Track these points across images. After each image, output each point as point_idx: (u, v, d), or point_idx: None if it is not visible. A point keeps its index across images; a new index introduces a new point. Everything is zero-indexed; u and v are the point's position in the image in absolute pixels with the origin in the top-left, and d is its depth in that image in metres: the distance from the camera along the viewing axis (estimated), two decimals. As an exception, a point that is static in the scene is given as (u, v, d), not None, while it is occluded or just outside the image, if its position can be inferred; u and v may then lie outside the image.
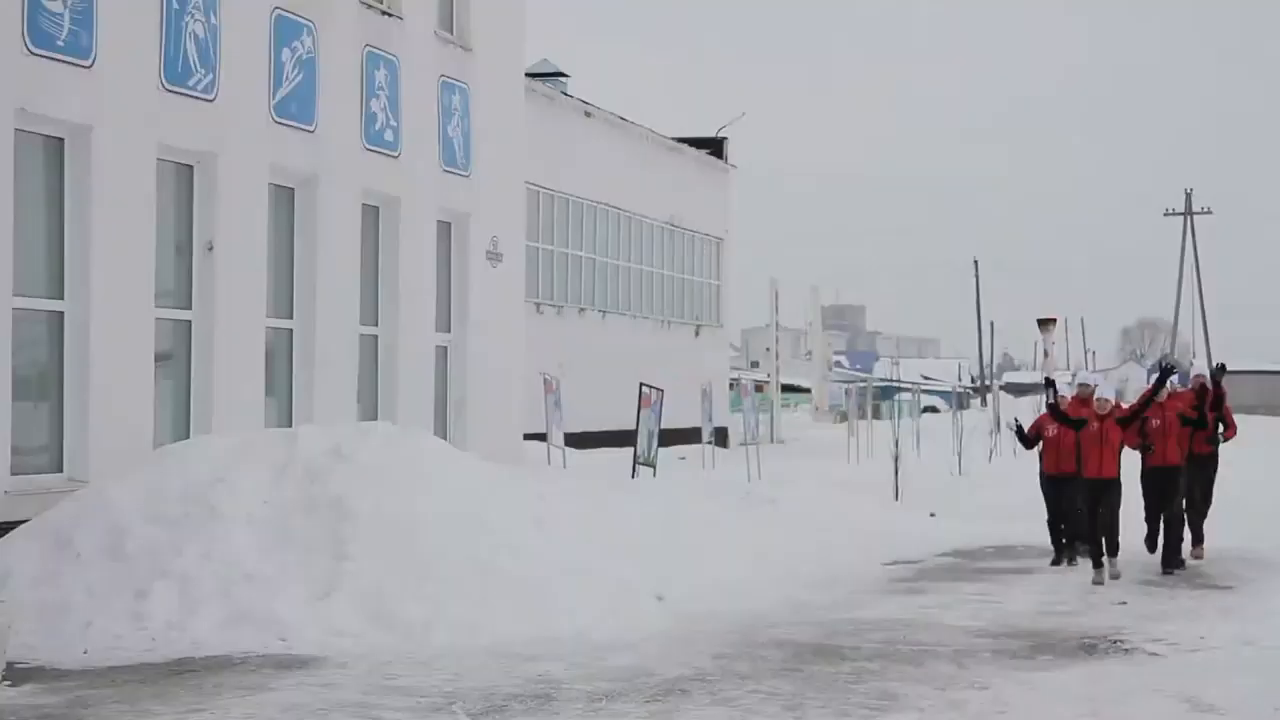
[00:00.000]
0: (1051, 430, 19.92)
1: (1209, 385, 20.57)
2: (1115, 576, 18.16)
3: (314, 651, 13.42)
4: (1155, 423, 19.50)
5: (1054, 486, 20.07)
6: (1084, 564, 19.04)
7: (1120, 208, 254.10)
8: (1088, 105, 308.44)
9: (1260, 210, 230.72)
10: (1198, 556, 20.18)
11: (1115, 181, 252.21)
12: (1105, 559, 18.35)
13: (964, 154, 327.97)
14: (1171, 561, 19.23)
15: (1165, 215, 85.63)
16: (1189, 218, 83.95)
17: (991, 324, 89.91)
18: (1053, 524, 20.32)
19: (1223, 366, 21.27)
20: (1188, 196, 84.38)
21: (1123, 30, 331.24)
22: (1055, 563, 19.99)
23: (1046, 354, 22.33)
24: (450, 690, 11.86)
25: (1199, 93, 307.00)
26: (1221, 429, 20.99)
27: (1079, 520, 19.09)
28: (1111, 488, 18.57)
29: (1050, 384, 20.11)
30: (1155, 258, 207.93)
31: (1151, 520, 19.90)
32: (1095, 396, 18.94)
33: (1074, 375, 23.21)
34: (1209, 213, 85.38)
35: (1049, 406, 19.70)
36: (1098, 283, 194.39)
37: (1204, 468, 20.63)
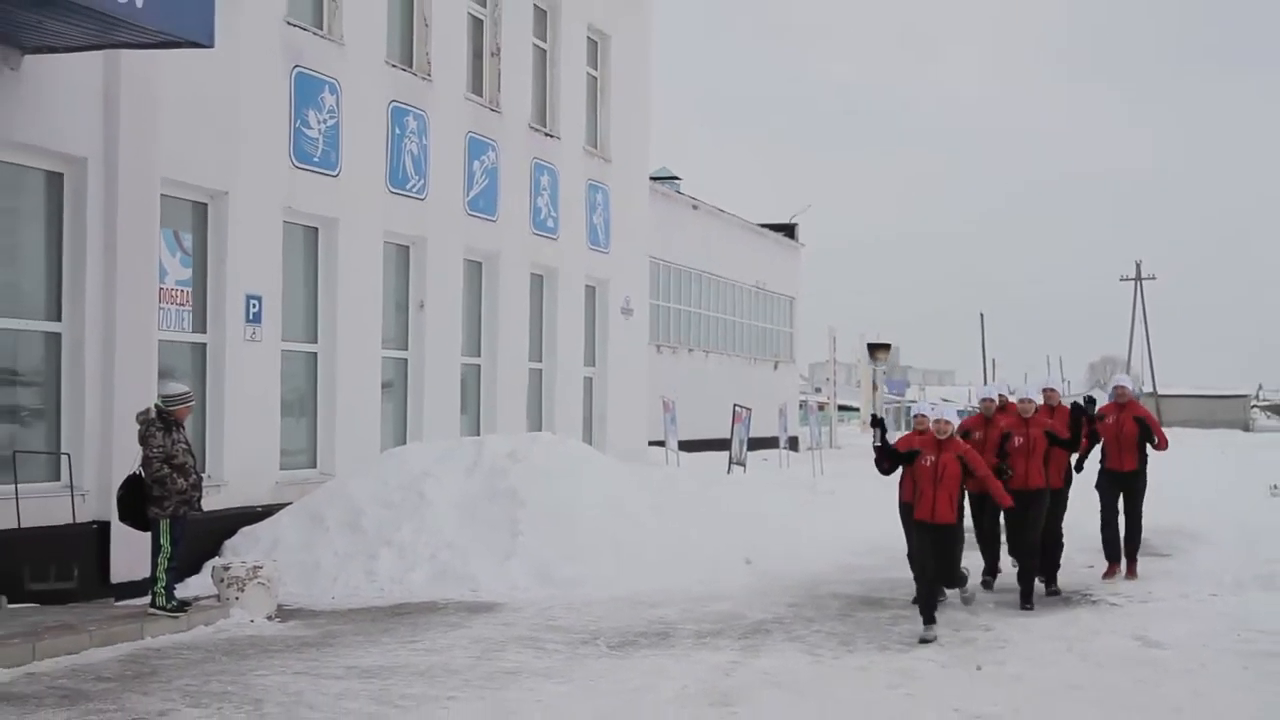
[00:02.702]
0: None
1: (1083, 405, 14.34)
2: (933, 639, 11.46)
3: (496, 600, 13.59)
4: (1018, 440, 13.49)
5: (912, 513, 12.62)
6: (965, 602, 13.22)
7: (1090, 272, 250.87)
8: (1079, 193, 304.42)
9: (1195, 276, 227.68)
10: (1128, 576, 15.16)
11: (1089, 252, 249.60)
12: (926, 622, 11.72)
13: (978, 228, 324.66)
14: (1028, 598, 13.23)
15: (1121, 280, 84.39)
16: (1139, 282, 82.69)
17: (993, 360, 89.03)
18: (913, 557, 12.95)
19: (1091, 400, 14.63)
20: (1138, 266, 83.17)
21: (1115, 137, 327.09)
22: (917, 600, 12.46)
23: (876, 387, 14.36)
24: (594, 629, 11.96)
25: (1155, 190, 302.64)
26: (1151, 443, 15.27)
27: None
28: (947, 534, 12.15)
29: (878, 423, 12.93)
30: (1114, 310, 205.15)
31: (1012, 551, 13.80)
32: (933, 419, 12.12)
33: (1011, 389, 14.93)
34: (1154, 278, 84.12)
35: (877, 448, 12.43)
36: (1073, 328, 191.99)
37: (1130, 484, 15.25)
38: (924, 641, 11.47)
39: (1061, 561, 14.50)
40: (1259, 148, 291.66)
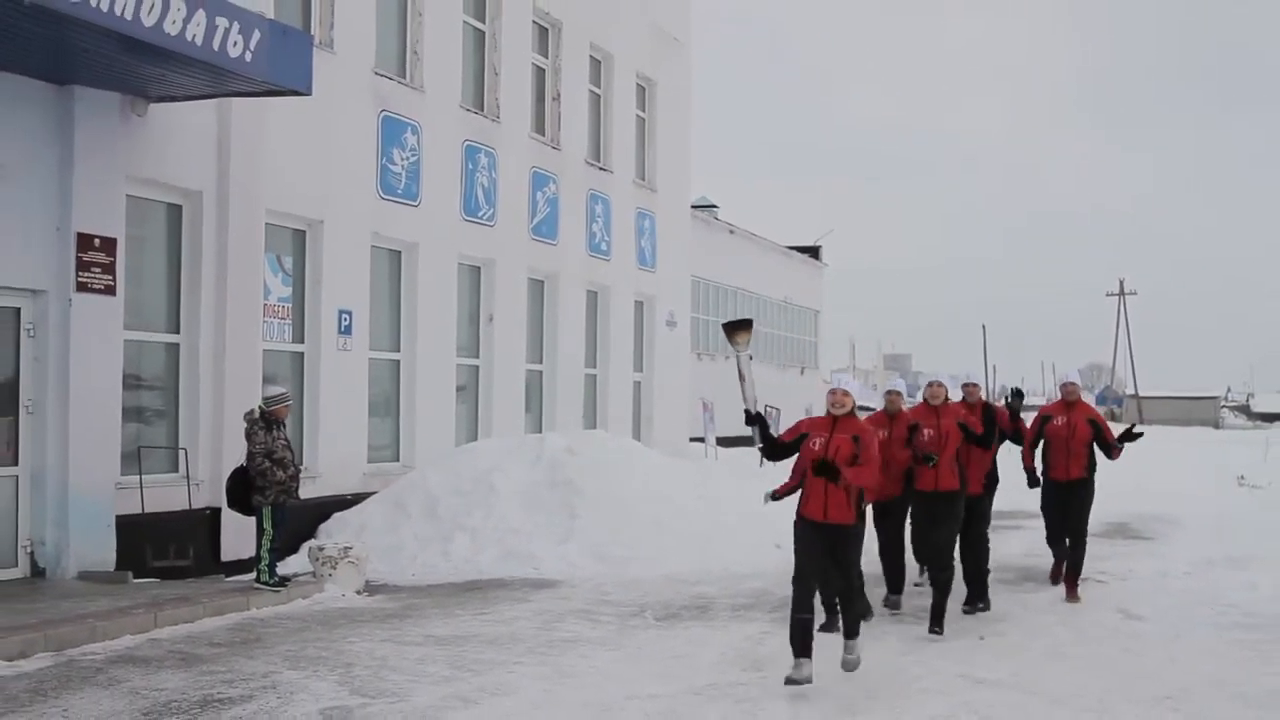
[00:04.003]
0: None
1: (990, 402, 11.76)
2: (804, 680, 8.05)
3: (556, 577, 13.58)
4: (929, 432, 10.41)
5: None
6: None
7: (1081, 289, 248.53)
8: (1072, 220, 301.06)
9: (1172, 292, 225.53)
10: (1068, 598, 11.97)
11: (1081, 273, 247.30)
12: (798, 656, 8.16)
13: (980, 250, 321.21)
14: (938, 620, 10.35)
15: (1107, 295, 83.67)
16: (1122, 297, 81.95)
17: (994, 366, 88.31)
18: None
19: (1019, 392, 11.49)
20: (1121, 283, 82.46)
21: (1106, 174, 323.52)
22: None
23: (742, 376, 9.67)
24: (642, 603, 11.94)
25: (1137, 217, 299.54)
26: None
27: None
28: (843, 537, 8.50)
29: (757, 419, 9.22)
30: (1102, 322, 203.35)
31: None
32: (832, 386, 8.68)
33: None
34: (1135, 294, 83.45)
35: (761, 450, 9.35)
36: (1064, 337, 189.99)
37: (1075, 494, 12.06)
38: (792, 682, 7.94)
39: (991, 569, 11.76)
40: (1235, 182, 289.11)
